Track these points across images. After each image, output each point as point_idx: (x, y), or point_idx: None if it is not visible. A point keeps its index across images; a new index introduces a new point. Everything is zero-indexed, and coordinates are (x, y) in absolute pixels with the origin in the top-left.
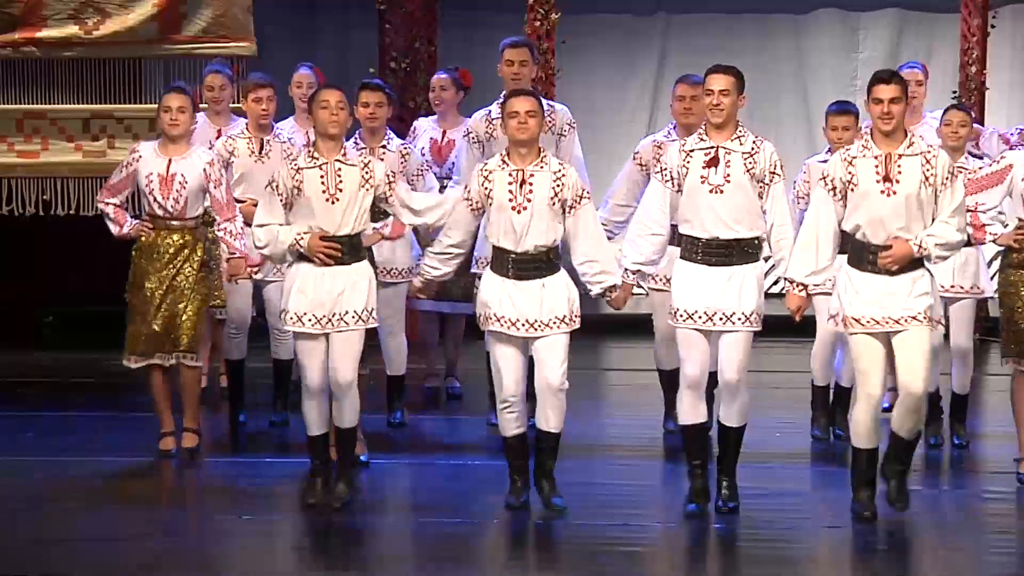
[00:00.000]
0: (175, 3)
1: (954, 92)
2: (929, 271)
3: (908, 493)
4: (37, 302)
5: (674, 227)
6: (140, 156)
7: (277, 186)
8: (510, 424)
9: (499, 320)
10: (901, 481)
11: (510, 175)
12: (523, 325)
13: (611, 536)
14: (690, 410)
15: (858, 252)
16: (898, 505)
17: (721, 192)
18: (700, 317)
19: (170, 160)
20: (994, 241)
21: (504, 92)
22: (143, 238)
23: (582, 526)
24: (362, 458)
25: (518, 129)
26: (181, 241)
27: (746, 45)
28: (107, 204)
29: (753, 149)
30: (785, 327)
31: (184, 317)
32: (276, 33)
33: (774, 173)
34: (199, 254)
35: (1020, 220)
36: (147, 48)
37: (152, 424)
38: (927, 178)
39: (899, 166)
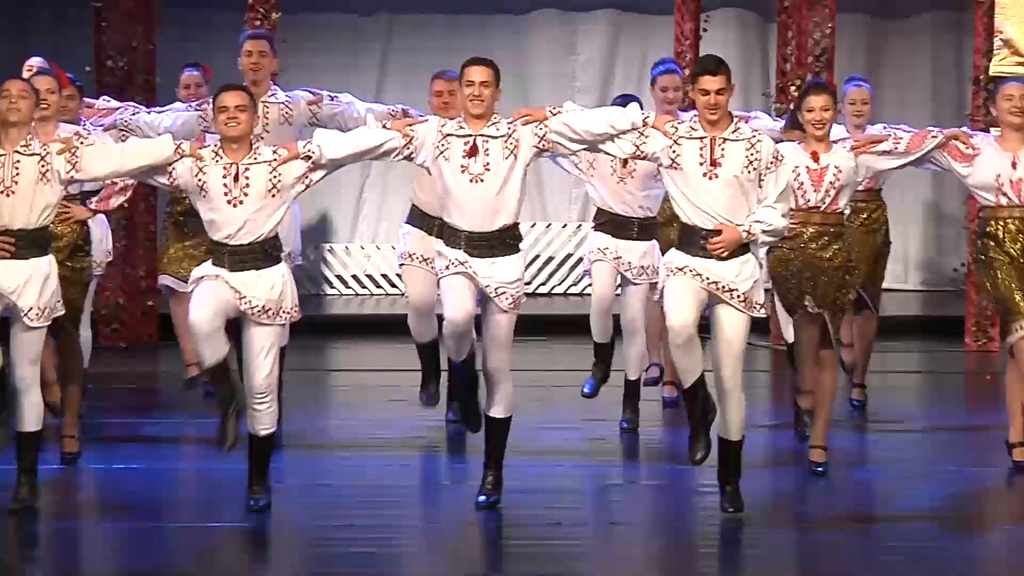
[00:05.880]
0: None
1: None
2: (756, 257)
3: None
4: None
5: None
6: None
7: None
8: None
9: (213, 277)
10: (736, 486)
11: (224, 168)
12: (236, 296)
13: (356, 536)
14: (452, 350)
15: (686, 236)
16: (732, 509)
17: (481, 181)
18: (470, 267)
19: None
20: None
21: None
22: None
23: (321, 527)
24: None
25: (227, 124)
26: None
27: (467, 45)
28: None
29: (510, 130)
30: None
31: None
32: None
33: (539, 142)
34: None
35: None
36: None
37: None
38: (751, 162)
39: (723, 150)
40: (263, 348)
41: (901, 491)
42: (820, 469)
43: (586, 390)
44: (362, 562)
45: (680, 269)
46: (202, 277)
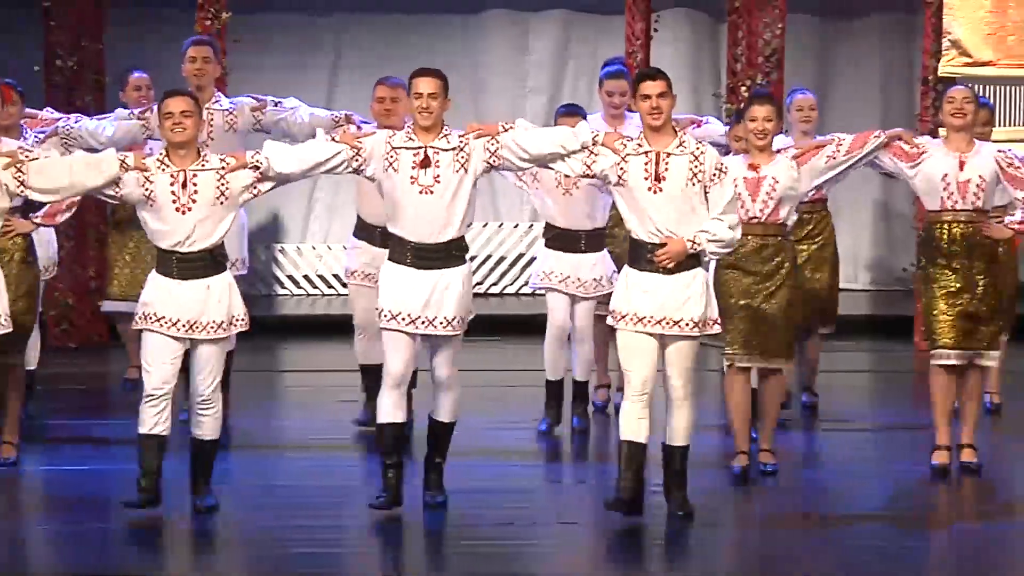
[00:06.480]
0: None
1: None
2: (704, 270)
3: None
4: None
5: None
6: None
7: None
8: (150, 420)
9: (159, 320)
10: (683, 493)
11: (172, 176)
12: (183, 326)
13: (308, 536)
14: (392, 409)
15: (635, 251)
16: (682, 513)
17: (431, 193)
18: (404, 319)
19: None
20: None
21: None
22: None
23: (272, 527)
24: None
25: (172, 130)
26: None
27: (419, 45)
28: None
29: (462, 143)
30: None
31: None
32: None
33: (490, 157)
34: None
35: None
36: None
37: None
38: (695, 175)
39: (667, 164)
40: (211, 355)
41: (852, 490)
42: (770, 469)
43: (542, 428)
44: (313, 563)
45: (639, 319)
46: (152, 315)
